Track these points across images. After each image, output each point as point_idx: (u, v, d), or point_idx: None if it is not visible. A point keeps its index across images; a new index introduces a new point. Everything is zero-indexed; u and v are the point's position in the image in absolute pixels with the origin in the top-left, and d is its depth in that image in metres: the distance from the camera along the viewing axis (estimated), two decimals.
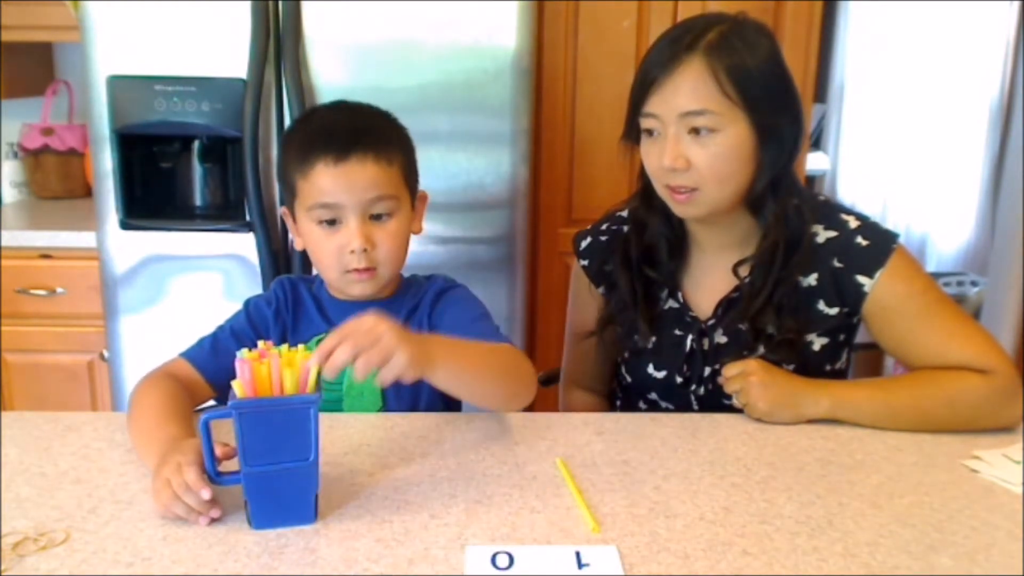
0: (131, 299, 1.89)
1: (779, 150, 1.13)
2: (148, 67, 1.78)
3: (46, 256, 2.04)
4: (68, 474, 0.96)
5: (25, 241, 2.03)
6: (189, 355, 1.13)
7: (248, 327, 1.17)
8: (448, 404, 1.18)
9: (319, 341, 1.11)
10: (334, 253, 1.09)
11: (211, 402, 1.13)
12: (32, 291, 2.04)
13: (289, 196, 1.14)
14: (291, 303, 1.19)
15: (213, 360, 1.12)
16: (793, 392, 1.12)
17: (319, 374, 0.84)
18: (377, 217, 1.09)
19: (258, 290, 1.84)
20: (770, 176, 1.13)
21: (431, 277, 1.23)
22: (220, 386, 1.11)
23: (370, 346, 0.84)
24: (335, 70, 1.79)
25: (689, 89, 1.08)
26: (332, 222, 1.09)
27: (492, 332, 1.13)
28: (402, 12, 1.76)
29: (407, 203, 1.14)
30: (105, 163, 1.83)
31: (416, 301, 1.19)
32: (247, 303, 1.20)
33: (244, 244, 1.85)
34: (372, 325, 0.86)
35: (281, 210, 1.19)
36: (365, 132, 1.10)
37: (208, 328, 1.18)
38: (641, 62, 1.15)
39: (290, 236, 1.21)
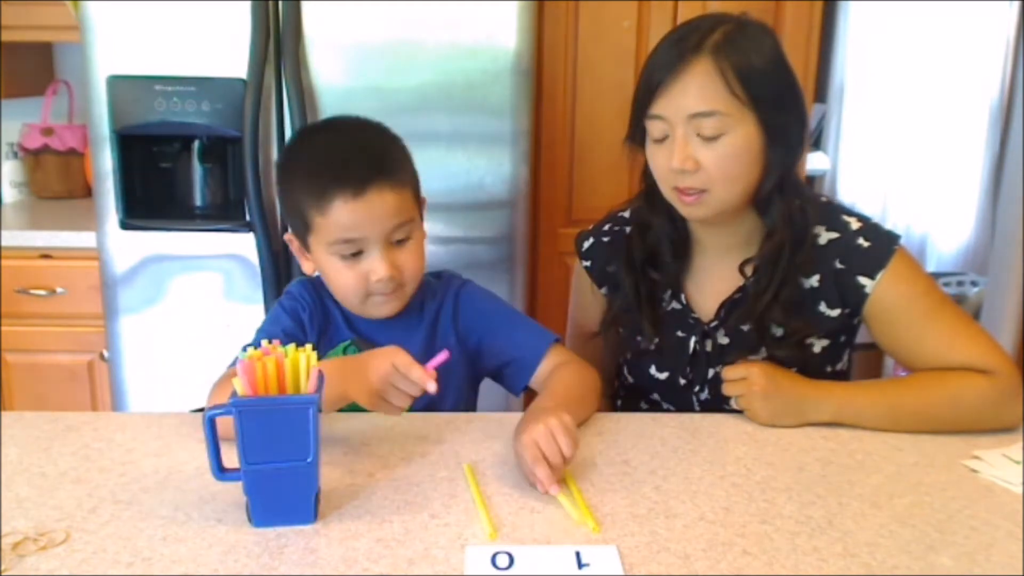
0: (131, 299, 1.89)
1: (786, 148, 1.12)
2: (148, 67, 1.78)
3: (46, 256, 2.04)
4: (68, 474, 0.96)
5: (25, 241, 2.03)
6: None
7: (297, 330, 1.15)
8: (468, 406, 1.23)
9: (345, 349, 1.14)
10: (358, 282, 1.09)
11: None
12: (32, 291, 2.04)
13: (301, 227, 1.12)
14: (320, 310, 1.18)
15: None
16: (796, 400, 1.12)
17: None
18: (398, 242, 1.10)
19: (258, 290, 1.84)
20: (778, 175, 1.13)
21: (439, 275, 1.24)
22: None
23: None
24: (335, 70, 1.79)
25: (697, 90, 1.08)
26: (355, 254, 1.08)
27: (539, 334, 1.20)
28: (402, 12, 1.76)
29: (420, 218, 1.15)
30: (105, 163, 1.83)
31: (437, 305, 1.20)
32: (283, 306, 1.18)
33: (244, 244, 1.85)
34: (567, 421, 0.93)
35: (286, 236, 1.18)
36: (379, 161, 1.08)
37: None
38: (645, 64, 1.14)
39: (297, 260, 1.20)
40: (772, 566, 0.80)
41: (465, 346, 1.20)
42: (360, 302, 1.11)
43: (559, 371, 1.15)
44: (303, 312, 1.17)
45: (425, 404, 1.07)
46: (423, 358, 1.05)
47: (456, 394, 1.20)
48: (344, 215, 1.05)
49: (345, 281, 1.10)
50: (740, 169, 1.10)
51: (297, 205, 1.10)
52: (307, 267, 1.17)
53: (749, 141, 1.09)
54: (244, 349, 1.11)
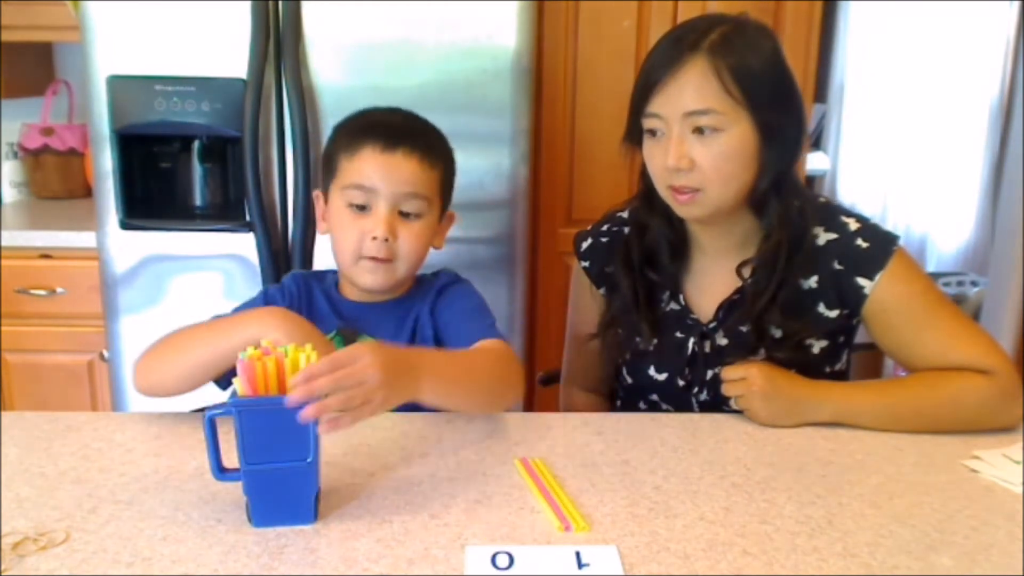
0: (131, 299, 1.89)
1: (782, 149, 1.13)
2: (148, 67, 1.78)
3: (46, 256, 2.04)
4: (68, 474, 0.96)
5: (25, 241, 2.03)
6: None
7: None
8: None
9: (333, 337, 1.14)
10: (356, 237, 1.11)
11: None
12: (32, 291, 2.04)
13: (328, 176, 1.17)
14: (305, 299, 1.20)
15: None
16: (795, 401, 1.12)
17: None
18: (405, 215, 1.12)
19: (258, 290, 1.84)
20: (773, 176, 1.13)
21: (438, 273, 1.24)
22: None
23: (353, 386, 0.83)
24: (335, 70, 1.79)
25: (693, 89, 1.08)
26: (362, 207, 1.12)
27: (485, 328, 1.14)
28: (402, 12, 1.76)
29: (436, 211, 1.17)
30: (105, 163, 1.83)
31: (422, 297, 1.21)
32: (265, 294, 1.21)
33: (244, 244, 1.85)
34: (364, 366, 0.84)
35: (314, 193, 1.22)
36: (418, 133, 1.15)
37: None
38: (643, 63, 1.14)
39: (317, 219, 1.23)
40: (772, 566, 0.80)
41: (440, 339, 1.20)
42: (352, 262, 1.13)
43: (480, 348, 1.10)
44: (282, 301, 1.18)
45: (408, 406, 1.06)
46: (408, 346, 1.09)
47: None
48: (367, 163, 1.10)
49: (345, 235, 1.13)
50: (734, 168, 1.10)
51: (331, 154, 1.16)
52: (321, 227, 1.20)
53: (744, 141, 1.10)
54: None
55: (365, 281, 1.14)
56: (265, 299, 1.20)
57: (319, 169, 1.79)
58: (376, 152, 1.10)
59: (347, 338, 1.16)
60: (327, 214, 1.18)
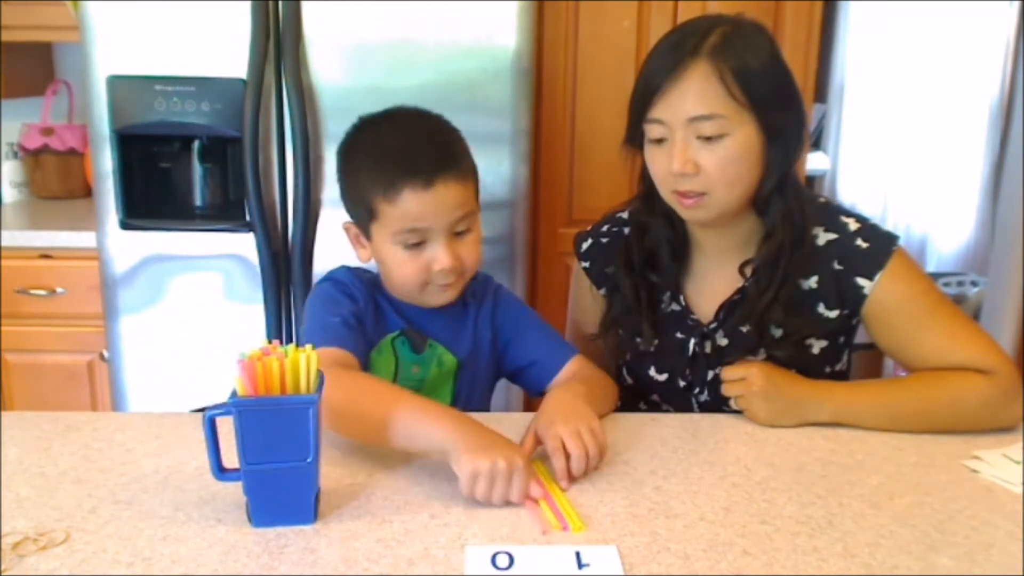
0: (131, 299, 1.89)
1: (785, 149, 1.12)
2: (148, 67, 1.78)
3: (46, 256, 2.04)
4: (68, 474, 0.96)
5: (25, 241, 2.03)
6: (340, 345, 1.09)
7: (360, 313, 1.15)
8: (483, 406, 1.26)
9: (394, 340, 1.16)
10: (419, 269, 1.11)
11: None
12: (32, 291, 2.04)
13: (364, 216, 1.13)
14: (371, 298, 1.18)
15: (358, 341, 1.11)
16: (795, 401, 1.12)
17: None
18: (459, 233, 1.12)
19: (258, 290, 1.84)
20: (778, 176, 1.13)
21: (476, 274, 1.23)
22: (365, 364, 1.12)
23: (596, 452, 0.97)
24: (335, 70, 1.78)
25: (696, 94, 1.07)
26: (418, 244, 1.10)
27: (562, 339, 1.26)
28: (402, 12, 1.76)
29: (479, 211, 1.17)
30: (105, 163, 1.83)
31: (479, 301, 1.23)
32: (338, 291, 1.16)
33: (244, 244, 1.85)
34: (596, 428, 0.98)
35: (344, 224, 1.18)
36: (446, 153, 1.11)
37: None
38: (642, 68, 1.13)
39: (353, 250, 1.20)
40: (772, 566, 0.80)
41: (496, 342, 1.23)
42: (419, 291, 1.13)
43: (583, 372, 1.18)
44: (360, 299, 1.16)
45: (462, 408, 1.07)
46: (470, 350, 1.13)
47: (482, 393, 1.24)
48: (413, 205, 1.07)
49: (407, 270, 1.11)
50: (740, 171, 1.10)
51: (363, 194, 1.11)
52: (363, 255, 1.18)
53: (749, 143, 1.09)
54: (331, 330, 1.10)
55: (437, 301, 1.15)
56: (346, 296, 1.15)
57: (319, 171, 1.79)
58: (417, 192, 1.07)
59: (412, 340, 1.17)
60: (375, 250, 1.15)
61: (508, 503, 0.90)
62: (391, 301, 1.19)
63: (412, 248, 1.10)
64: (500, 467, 0.88)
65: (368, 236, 1.15)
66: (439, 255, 1.10)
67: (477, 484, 0.88)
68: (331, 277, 1.19)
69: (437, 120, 1.17)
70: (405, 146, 1.11)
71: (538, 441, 1.00)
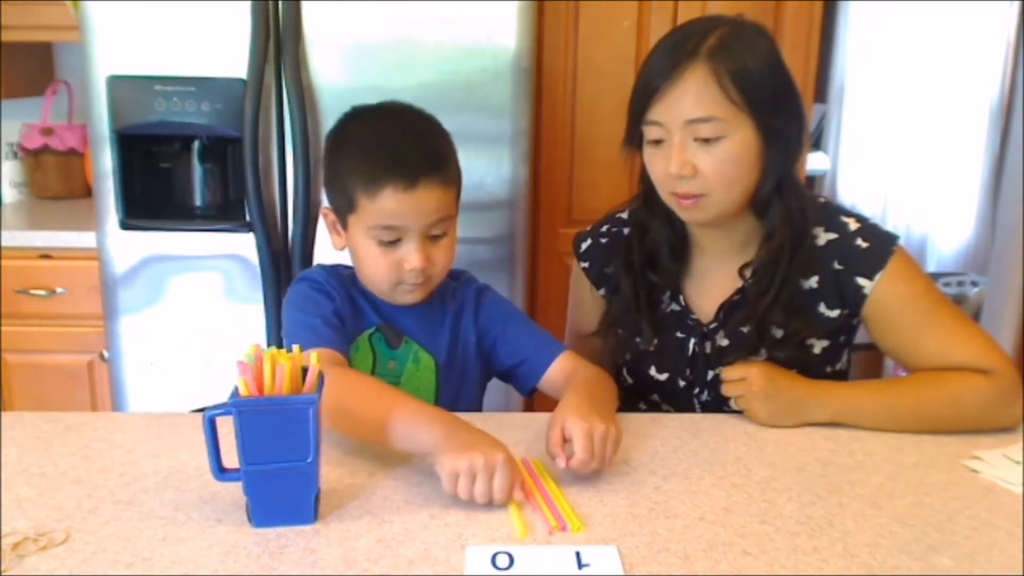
0: (131, 299, 1.89)
1: (784, 151, 1.12)
2: (148, 67, 1.78)
3: (46, 256, 2.04)
4: (68, 474, 0.96)
5: (25, 241, 2.03)
6: (327, 344, 1.09)
7: (339, 311, 1.15)
8: (476, 406, 1.26)
9: (371, 336, 1.16)
10: (390, 267, 1.11)
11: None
12: (32, 291, 2.04)
13: (343, 205, 1.13)
14: (347, 295, 1.18)
15: (341, 339, 1.12)
16: (795, 400, 1.12)
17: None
18: (434, 237, 1.12)
19: (258, 290, 1.84)
20: (776, 178, 1.12)
21: (459, 275, 1.25)
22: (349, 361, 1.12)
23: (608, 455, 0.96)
24: (335, 70, 1.78)
25: (694, 96, 1.07)
26: (392, 242, 1.10)
27: (549, 336, 1.23)
28: (402, 12, 1.76)
29: (457, 217, 1.16)
30: (105, 163, 1.83)
31: (459, 303, 1.22)
32: (315, 291, 1.16)
33: (244, 244, 1.85)
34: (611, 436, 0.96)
35: (323, 210, 1.19)
36: (432, 156, 1.11)
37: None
38: (641, 70, 1.13)
39: (329, 236, 1.20)
40: (772, 566, 0.80)
41: (482, 344, 1.22)
42: (389, 288, 1.13)
43: (580, 373, 1.16)
44: (337, 297, 1.16)
45: (447, 407, 1.08)
46: (448, 349, 1.12)
47: (472, 393, 1.24)
48: (392, 204, 1.07)
49: (378, 267, 1.12)
50: (738, 173, 1.10)
51: (344, 184, 1.11)
52: (337, 242, 1.18)
53: (747, 145, 1.09)
54: (314, 330, 1.10)
55: (405, 300, 1.15)
56: (325, 296, 1.15)
57: (319, 171, 1.79)
58: (399, 191, 1.07)
59: (388, 336, 1.17)
60: (349, 240, 1.15)
61: (494, 504, 0.89)
62: (368, 297, 1.19)
63: (386, 245, 1.10)
64: (478, 464, 0.88)
65: (344, 226, 1.15)
66: (411, 255, 1.10)
67: (457, 482, 0.88)
68: (307, 277, 1.19)
69: (429, 120, 1.16)
70: (393, 143, 1.10)
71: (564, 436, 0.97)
